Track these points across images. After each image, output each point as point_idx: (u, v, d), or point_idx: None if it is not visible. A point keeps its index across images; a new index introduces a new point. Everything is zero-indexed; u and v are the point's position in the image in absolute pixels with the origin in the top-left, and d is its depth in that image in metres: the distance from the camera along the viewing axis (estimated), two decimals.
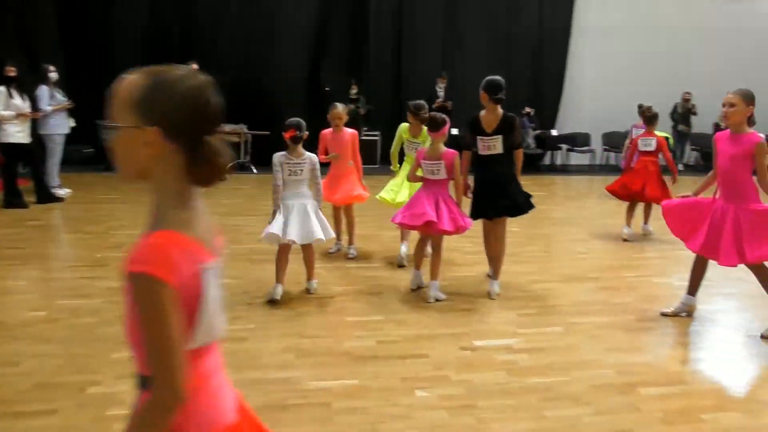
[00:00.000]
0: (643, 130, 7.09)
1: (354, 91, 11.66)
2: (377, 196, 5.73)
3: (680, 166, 14.38)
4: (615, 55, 14.12)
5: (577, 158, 13.85)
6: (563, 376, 3.37)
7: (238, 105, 12.06)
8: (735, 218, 3.89)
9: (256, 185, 10.23)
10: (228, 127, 11.71)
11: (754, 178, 3.91)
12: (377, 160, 12.75)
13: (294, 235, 4.37)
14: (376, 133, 12.78)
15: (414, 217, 4.55)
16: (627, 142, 9.46)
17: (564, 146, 13.72)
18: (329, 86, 11.94)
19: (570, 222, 7.88)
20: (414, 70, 12.91)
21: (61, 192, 8.35)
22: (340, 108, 5.65)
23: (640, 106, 8.90)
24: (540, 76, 13.85)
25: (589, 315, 4.36)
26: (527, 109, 13.18)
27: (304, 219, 4.43)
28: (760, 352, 3.81)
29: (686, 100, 13.86)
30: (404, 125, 5.71)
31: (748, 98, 3.90)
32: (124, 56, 11.73)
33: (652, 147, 6.78)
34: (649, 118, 6.98)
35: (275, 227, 4.39)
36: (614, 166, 14.15)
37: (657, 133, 6.96)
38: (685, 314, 4.36)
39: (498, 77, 4.74)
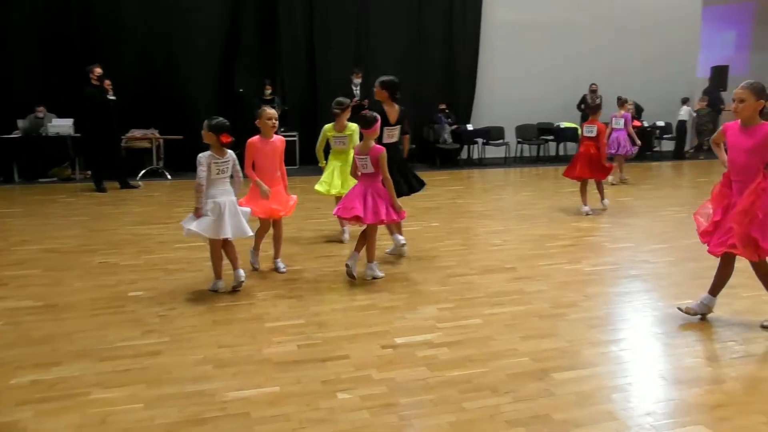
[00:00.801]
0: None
1: (268, 91, 11.49)
2: (314, 188, 6.34)
3: None
4: (524, 50, 14.56)
5: (492, 151, 14.19)
6: (482, 367, 3.43)
7: (148, 109, 11.67)
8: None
9: (171, 191, 9.92)
10: (138, 133, 11.29)
11: None
12: (297, 161, 12.63)
13: (230, 232, 4.58)
14: (293, 133, 12.65)
15: (346, 210, 4.95)
16: (608, 131, 10.27)
17: (480, 140, 14.02)
18: (243, 88, 11.72)
19: (487, 214, 8.05)
20: (328, 69, 12.85)
21: None
22: (272, 109, 5.20)
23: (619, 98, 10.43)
24: (453, 72, 14.08)
25: (506, 305, 4.46)
26: (442, 106, 13.39)
27: (235, 215, 4.65)
28: (665, 330, 4.01)
29: (593, 92, 14.45)
30: (328, 125, 6.24)
31: (758, 92, 3.78)
32: (21, 62, 11.11)
33: (594, 133, 7.82)
34: (592, 108, 8.10)
35: (201, 227, 4.50)
36: (528, 158, 14.61)
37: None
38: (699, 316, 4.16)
39: (393, 77, 5.66)
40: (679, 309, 4.20)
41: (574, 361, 3.52)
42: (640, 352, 3.67)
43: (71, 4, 11.29)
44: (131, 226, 7.24)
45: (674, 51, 15.61)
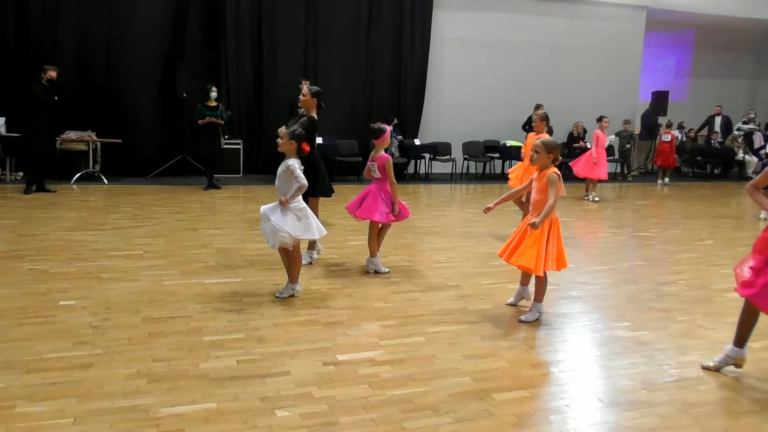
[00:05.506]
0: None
1: (214, 95, 11.21)
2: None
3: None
4: (473, 68, 14.78)
5: (439, 167, 14.31)
6: (423, 387, 3.42)
7: (85, 110, 11.26)
8: None
9: (107, 197, 9.59)
10: (74, 134, 10.89)
11: None
12: (240, 169, 12.44)
13: (317, 232, 4.85)
14: (238, 141, 12.45)
15: (351, 205, 5.65)
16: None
17: (427, 155, 14.12)
18: (186, 92, 11.44)
19: (432, 231, 8.09)
20: (275, 76, 12.70)
21: None
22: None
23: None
24: (402, 87, 14.14)
25: (449, 323, 4.47)
26: (395, 122, 13.43)
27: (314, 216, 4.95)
28: (603, 352, 4.09)
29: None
30: None
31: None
32: None
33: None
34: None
35: (310, 231, 4.77)
36: (474, 174, 14.80)
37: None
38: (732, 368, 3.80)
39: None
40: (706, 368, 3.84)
41: (514, 381, 3.54)
42: (579, 373, 3.73)
43: (7, 1, 10.79)
44: (64, 231, 6.94)
45: (617, 74, 16.12)
